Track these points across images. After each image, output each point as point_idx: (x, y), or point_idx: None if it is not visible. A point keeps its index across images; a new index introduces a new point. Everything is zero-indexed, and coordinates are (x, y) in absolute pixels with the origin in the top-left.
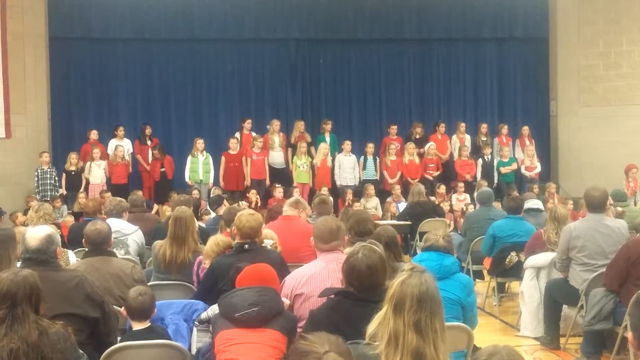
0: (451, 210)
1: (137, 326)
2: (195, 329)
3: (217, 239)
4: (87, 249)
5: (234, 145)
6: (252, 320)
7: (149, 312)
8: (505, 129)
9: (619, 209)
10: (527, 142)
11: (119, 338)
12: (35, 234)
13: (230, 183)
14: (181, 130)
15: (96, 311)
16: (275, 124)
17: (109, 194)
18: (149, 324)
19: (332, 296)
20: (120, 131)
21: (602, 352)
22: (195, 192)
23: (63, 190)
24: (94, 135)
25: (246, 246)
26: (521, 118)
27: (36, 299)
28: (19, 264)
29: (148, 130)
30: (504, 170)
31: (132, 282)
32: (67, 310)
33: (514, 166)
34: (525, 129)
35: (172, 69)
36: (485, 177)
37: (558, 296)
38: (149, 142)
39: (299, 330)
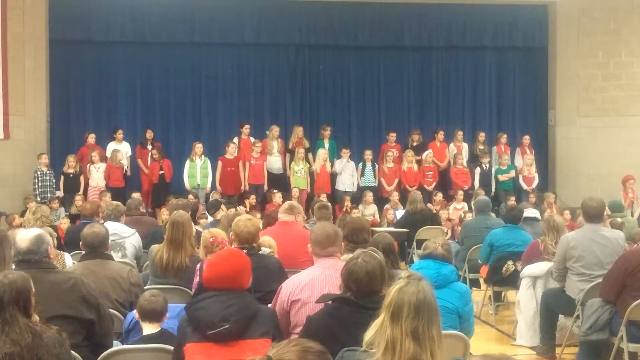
0: (449, 219)
1: (147, 328)
2: None
3: (211, 230)
4: (84, 252)
5: (231, 149)
6: (225, 337)
7: (161, 314)
8: (504, 138)
9: (619, 219)
10: (528, 152)
11: (115, 341)
12: (25, 235)
13: (228, 188)
14: (180, 134)
15: (92, 313)
16: (275, 130)
17: (109, 195)
18: (160, 328)
19: (330, 302)
20: (119, 134)
21: None
22: (191, 196)
23: (61, 193)
24: (91, 138)
25: (244, 251)
26: (519, 127)
27: (25, 303)
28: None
29: (149, 134)
30: (501, 177)
31: (129, 286)
32: (62, 312)
33: (512, 174)
34: (527, 139)
35: (172, 73)
36: (483, 186)
37: (554, 306)
38: (149, 147)
39: (296, 336)
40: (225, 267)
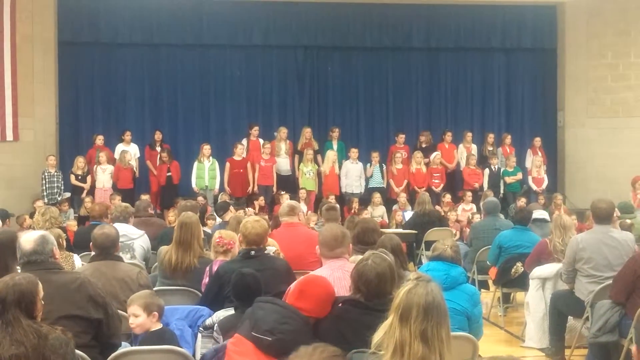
0: (457, 220)
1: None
2: (199, 335)
3: (221, 231)
4: (94, 253)
5: (239, 151)
6: (262, 347)
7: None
8: (508, 139)
9: (628, 221)
10: (538, 153)
11: (124, 342)
12: (29, 237)
13: (236, 189)
14: (188, 135)
15: (99, 312)
16: (283, 132)
17: (119, 197)
18: (161, 325)
19: (339, 304)
20: (127, 136)
21: None
22: (200, 197)
23: (85, 186)
24: (99, 140)
25: (252, 252)
26: (528, 128)
27: (28, 306)
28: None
29: (157, 136)
30: (508, 179)
31: (138, 288)
32: (70, 312)
33: (519, 176)
34: (537, 140)
35: (180, 75)
36: (492, 187)
37: (563, 307)
38: (158, 148)
39: None
40: (314, 285)
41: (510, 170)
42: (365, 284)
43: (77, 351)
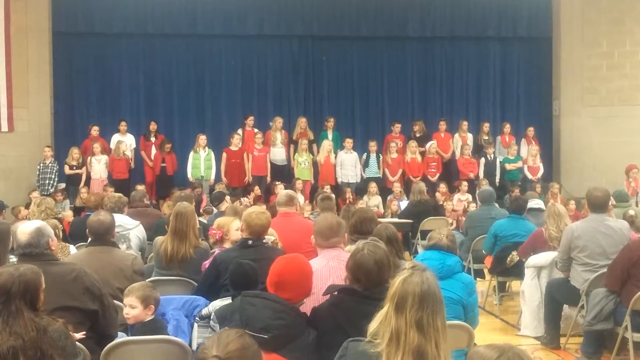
0: (453, 209)
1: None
2: (196, 325)
3: (218, 220)
4: (89, 239)
5: (236, 141)
6: (259, 345)
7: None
8: (507, 128)
9: (631, 212)
10: (532, 142)
11: (120, 333)
12: (24, 229)
13: (232, 179)
14: (184, 125)
15: (95, 304)
16: (278, 121)
17: (112, 189)
18: (154, 315)
19: (335, 293)
20: (123, 126)
21: (602, 352)
22: (198, 188)
23: (69, 180)
24: (94, 131)
25: (250, 242)
26: (524, 117)
27: (32, 296)
28: (13, 258)
29: (152, 126)
30: (509, 167)
31: (132, 274)
32: (67, 304)
33: (520, 164)
34: (530, 130)
35: (175, 65)
36: (488, 176)
37: (559, 296)
38: (152, 139)
39: None
40: (286, 273)
41: (511, 158)
42: (365, 273)
43: (77, 343)
